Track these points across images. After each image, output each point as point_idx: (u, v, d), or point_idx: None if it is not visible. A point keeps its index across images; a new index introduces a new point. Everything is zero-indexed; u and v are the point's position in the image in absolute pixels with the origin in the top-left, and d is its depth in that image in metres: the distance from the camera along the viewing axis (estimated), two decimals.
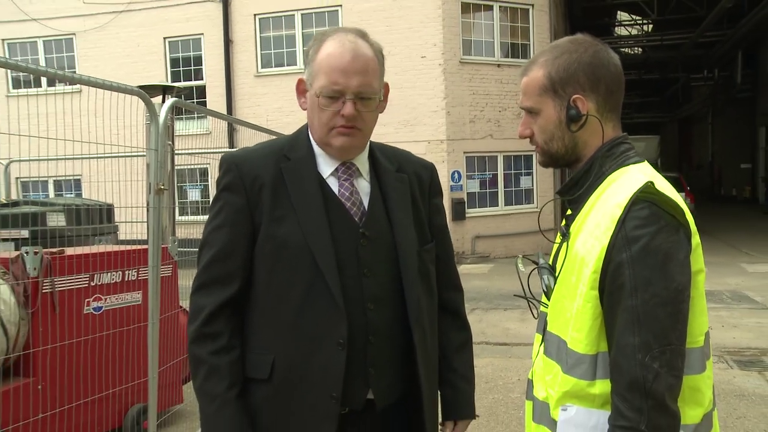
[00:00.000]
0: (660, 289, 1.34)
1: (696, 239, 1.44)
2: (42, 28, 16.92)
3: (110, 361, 4.21)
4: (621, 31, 32.81)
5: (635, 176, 1.46)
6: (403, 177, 1.91)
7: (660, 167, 25.42)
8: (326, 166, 1.83)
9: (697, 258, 1.44)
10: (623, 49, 33.36)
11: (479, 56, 15.16)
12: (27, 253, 4.19)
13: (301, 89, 1.82)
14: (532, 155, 15.88)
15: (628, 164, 1.53)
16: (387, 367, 1.81)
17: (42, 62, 17.35)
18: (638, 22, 30.57)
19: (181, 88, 6.70)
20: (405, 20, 14.74)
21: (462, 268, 12.58)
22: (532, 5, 15.72)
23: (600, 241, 1.41)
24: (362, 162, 1.88)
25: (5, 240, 5.15)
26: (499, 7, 15.44)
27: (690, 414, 1.42)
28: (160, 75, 15.98)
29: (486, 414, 5.05)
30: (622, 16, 31.15)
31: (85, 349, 4.13)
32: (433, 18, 14.61)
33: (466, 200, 14.85)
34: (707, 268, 1.46)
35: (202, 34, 16.10)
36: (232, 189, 1.78)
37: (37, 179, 13.70)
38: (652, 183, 1.42)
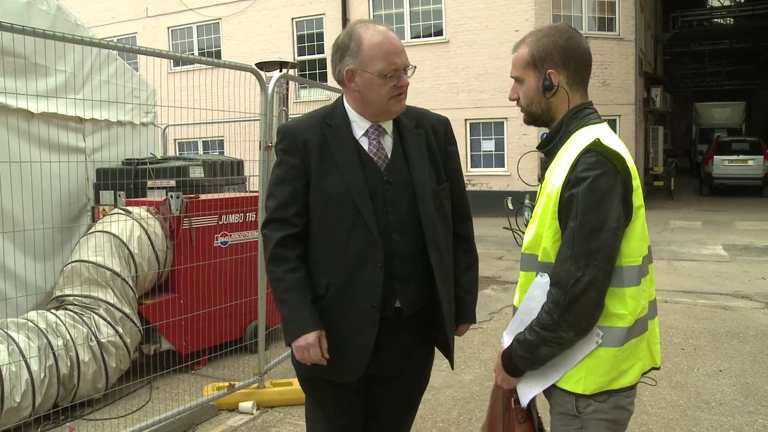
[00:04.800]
0: (593, 217, 1.53)
1: (636, 182, 1.63)
2: (196, 16, 17.78)
3: (233, 285, 4.61)
4: (713, 2, 30.26)
5: (591, 133, 1.65)
6: (420, 132, 2.08)
7: (744, 132, 23.62)
8: (359, 129, 2.03)
9: (638, 196, 1.62)
10: (716, 20, 30.79)
11: None
12: (171, 197, 4.64)
13: (350, 77, 1.96)
14: (616, 119, 15.22)
15: (589, 124, 1.71)
16: (410, 282, 2.01)
17: (195, 44, 18.28)
18: None
19: (296, 63, 6.91)
20: None
21: None
22: None
23: (560, 181, 1.61)
24: (388, 123, 2.06)
25: (159, 188, 5.62)
26: None
27: (626, 318, 1.60)
28: (288, 50, 16.47)
29: None
30: None
31: (214, 274, 4.55)
32: None
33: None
34: None
35: (324, 14, 16.39)
36: (288, 152, 2.00)
37: (189, 140, 14.68)
38: (599, 138, 1.60)
